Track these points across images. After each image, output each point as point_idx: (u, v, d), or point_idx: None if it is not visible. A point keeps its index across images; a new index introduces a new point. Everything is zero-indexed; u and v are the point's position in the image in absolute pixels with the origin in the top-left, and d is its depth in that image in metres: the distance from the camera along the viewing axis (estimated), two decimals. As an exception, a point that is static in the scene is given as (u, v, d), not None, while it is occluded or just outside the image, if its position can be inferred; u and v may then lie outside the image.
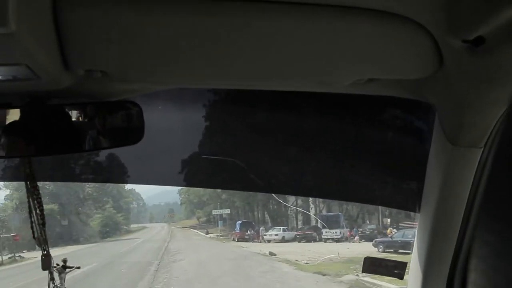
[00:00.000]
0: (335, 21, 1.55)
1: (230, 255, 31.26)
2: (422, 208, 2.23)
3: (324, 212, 45.68)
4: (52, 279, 2.34)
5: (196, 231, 60.85)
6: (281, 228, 43.52)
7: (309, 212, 45.91)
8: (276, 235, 41.54)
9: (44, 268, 2.28)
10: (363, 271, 2.70)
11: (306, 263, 26.42)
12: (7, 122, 1.88)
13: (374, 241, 31.66)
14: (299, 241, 39.27)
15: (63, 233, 46.42)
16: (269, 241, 40.51)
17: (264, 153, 3.00)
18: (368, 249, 29.06)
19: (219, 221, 55.32)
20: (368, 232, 37.80)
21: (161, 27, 1.53)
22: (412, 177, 2.39)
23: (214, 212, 55.49)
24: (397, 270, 2.57)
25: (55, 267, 10.65)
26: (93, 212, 56.57)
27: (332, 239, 37.11)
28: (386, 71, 1.78)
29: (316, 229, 40.91)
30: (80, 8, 1.46)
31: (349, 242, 36.20)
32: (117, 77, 1.76)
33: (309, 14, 1.53)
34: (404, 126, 2.55)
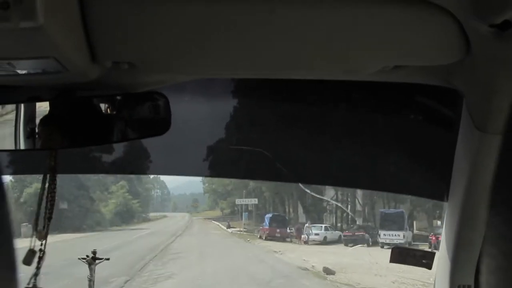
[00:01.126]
0: (360, 7, 1.54)
1: (258, 270, 20.86)
2: (450, 196, 2.21)
3: (366, 208, 36.49)
4: (35, 275, 2.22)
5: (217, 223, 52.86)
6: (323, 226, 34.63)
7: (348, 207, 37.50)
8: (316, 234, 32.97)
9: (25, 262, 2.09)
10: (390, 261, 2.68)
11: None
12: (37, 115, 1.91)
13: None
14: (345, 244, 30.34)
15: (59, 218, 36.80)
16: (305, 242, 32.35)
17: (291, 142, 3.00)
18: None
19: (243, 213, 45.20)
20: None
21: (188, 18, 1.54)
22: (440, 165, 2.37)
23: (238, 201, 45.84)
24: (425, 260, 2.56)
25: (85, 258, 10.78)
26: (102, 196, 50.33)
27: (391, 244, 26.01)
28: (412, 58, 1.76)
29: (368, 229, 32.18)
30: (107, 1, 1.47)
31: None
32: (144, 68, 1.78)
33: (336, 1, 1.52)
34: (432, 113, 2.52)
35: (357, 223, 35.43)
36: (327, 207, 38.81)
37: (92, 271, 10.97)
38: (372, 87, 2.27)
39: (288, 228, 35.99)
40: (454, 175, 2.17)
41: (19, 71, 1.61)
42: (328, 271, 20.09)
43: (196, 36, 1.61)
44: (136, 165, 3.39)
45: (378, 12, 1.54)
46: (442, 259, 2.30)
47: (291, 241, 33.22)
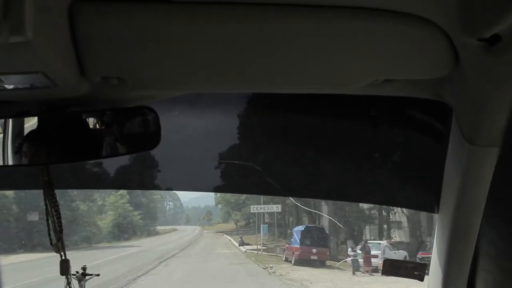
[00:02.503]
0: (350, 22, 1.55)
1: None
2: (441, 208, 2.21)
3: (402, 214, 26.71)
4: (68, 283, 2.37)
5: (229, 238, 44.59)
6: (383, 243, 25.91)
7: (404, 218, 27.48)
8: (373, 256, 23.21)
9: (62, 273, 2.31)
10: (382, 274, 2.68)
11: None
12: (26, 130, 1.90)
13: None
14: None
15: (27, 234, 30.97)
16: (357, 268, 22.77)
17: (281, 156, 3.00)
18: None
19: (261, 226, 34.26)
20: None
21: (176, 33, 1.55)
22: (430, 178, 2.38)
23: (254, 209, 34.99)
24: (417, 271, 2.55)
25: (74, 274, 10.71)
26: (94, 207, 44.31)
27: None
28: (402, 72, 1.77)
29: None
30: (96, 16, 1.47)
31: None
32: (133, 83, 1.78)
33: (324, 16, 1.53)
34: (421, 127, 2.53)
35: (421, 234, 27.33)
36: (372, 216, 29.77)
37: (82, 287, 10.88)
38: (362, 100, 2.28)
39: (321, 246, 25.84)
40: (444, 187, 2.18)
41: (7, 86, 1.60)
42: None
43: (185, 51, 1.62)
44: (124, 180, 3.37)
45: (368, 26, 1.55)
46: (433, 270, 2.30)
47: (340, 268, 23.16)
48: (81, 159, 2.27)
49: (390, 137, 2.70)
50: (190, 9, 1.51)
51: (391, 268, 2.63)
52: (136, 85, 1.82)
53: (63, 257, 2.29)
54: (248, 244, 33.98)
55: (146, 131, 2.00)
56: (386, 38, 1.59)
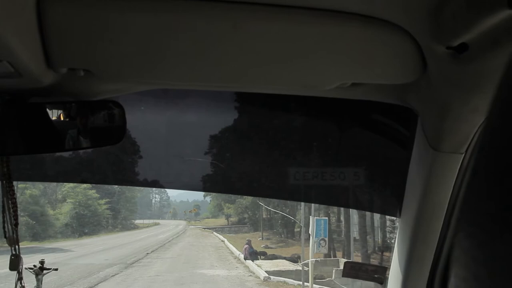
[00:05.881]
0: (320, 25, 1.55)
1: None
2: (403, 212, 2.24)
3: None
4: (20, 279, 2.31)
5: (220, 237, 32.93)
6: None
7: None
8: None
9: (11, 269, 2.24)
10: (343, 275, 2.70)
11: None
12: None
13: None
14: None
15: None
16: None
17: (246, 155, 3.00)
18: None
19: (312, 219, 20.25)
20: None
21: (146, 27, 1.53)
22: (394, 182, 2.40)
23: None
24: (377, 274, 2.58)
25: (32, 268, 10.55)
26: (54, 194, 37.13)
27: None
28: (369, 76, 1.78)
29: None
30: (64, 6, 1.45)
31: None
32: (100, 76, 1.75)
33: (294, 17, 1.53)
34: (387, 131, 2.56)
35: None
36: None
37: (39, 281, 10.72)
38: (329, 103, 2.30)
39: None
40: (407, 192, 2.20)
41: None
42: None
43: (153, 46, 1.60)
44: (86, 173, 3.32)
45: (338, 30, 1.56)
46: (393, 274, 2.33)
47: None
48: (42, 151, 2.22)
49: (356, 140, 2.72)
50: (159, 3, 1.49)
51: (352, 270, 2.65)
52: (103, 78, 1.79)
53: (15, 252, 2.24)
54: (260, 254, 19.94)
55: (111, 126, 1.98)
56: (355, 42, 1.60)
